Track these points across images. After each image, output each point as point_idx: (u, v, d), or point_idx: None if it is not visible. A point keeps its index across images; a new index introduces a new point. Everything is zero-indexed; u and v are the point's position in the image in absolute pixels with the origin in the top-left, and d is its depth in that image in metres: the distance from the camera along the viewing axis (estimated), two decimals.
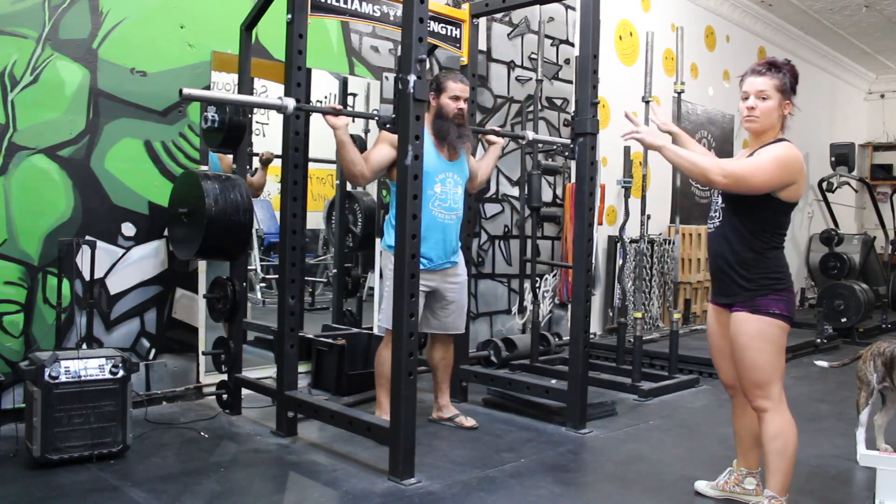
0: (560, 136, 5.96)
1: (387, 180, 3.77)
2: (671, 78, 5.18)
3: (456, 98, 3.47)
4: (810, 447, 3.46)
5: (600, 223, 5.88)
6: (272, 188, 4.68)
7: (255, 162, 4.35)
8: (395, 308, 2.82)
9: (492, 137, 3.83)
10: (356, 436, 3.14)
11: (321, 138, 4.64)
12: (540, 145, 4.16)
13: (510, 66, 5.62)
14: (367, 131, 4.80)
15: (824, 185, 9.59)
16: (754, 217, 2.44)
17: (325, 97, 4.73)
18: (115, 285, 3.69)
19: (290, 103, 3.10)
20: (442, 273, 3.52)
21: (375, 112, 4.76)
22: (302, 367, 4.15)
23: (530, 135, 4.08)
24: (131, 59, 3.70)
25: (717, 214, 2.57)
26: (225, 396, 3.68)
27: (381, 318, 3.56)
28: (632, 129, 2.56)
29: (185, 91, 2.85)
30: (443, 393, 3.72)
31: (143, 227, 3.76)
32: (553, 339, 5.23)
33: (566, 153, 3.77)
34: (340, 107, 3.31)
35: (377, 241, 4.70)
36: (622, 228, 4.96)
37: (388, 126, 3.02)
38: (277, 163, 3.43)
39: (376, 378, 3.50)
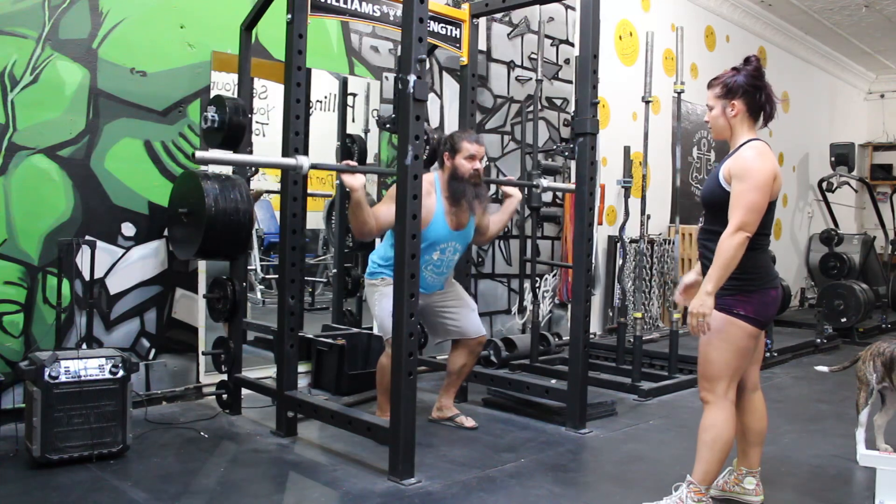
0: (560, 136, 5.97)
1: None
2: (671, 78, 5.18)
3: (471, 158, 3.42)
4: (810, 447, 3.47)
5: (600, 223, 5.88)
6: (272, 188, 4.67)
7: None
8: (396, 308, 2.82)
9: (509, 190, 3.79)
10: (356, 436, 3.14)
11: (321, 137, 4.66)
12: (546, 183, 4.17)
13: (510, 66, 5.62)
14: (366, 131, 4.81)
15: (824, 185, 9.60)
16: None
17: (325, 97, 4.73)
18: (115, 285, 3.69)
19: (305, 163, 3.06)
20: (428, 295, 3.54)
21: (376, 111, 4.76)
22: (302, 367, 4.15)
23: (544, 182, 4.09)
24: (131, 59, 3.70)
25: (702, 215, 2.60)
26: (225, 396, 3.68)
27: (378, 328, 3.52)
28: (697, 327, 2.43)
29: (199, 155, 2.84)
30: (448, 395, 3.71)
31: (143, 227, 3.76)
32: (553, 339, 5.23)
33: (566, 153, 3.76)
34: (354, 163, 3.30)
35: (377, 240, 4.69)
36: (622, 228, 4.96)
37: (388, 126, 3.02)
38: None
39: (378, 386, 3.50)
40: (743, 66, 2.53)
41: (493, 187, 5.17)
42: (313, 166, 3.12)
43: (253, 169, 3.79)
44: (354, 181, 3.09)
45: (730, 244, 2.36)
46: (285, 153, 3.36)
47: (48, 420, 2.83)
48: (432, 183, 3.45)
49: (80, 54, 3.54)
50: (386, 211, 3.22)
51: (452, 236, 3.48)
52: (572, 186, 3.71)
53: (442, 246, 3.46)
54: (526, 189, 4.97)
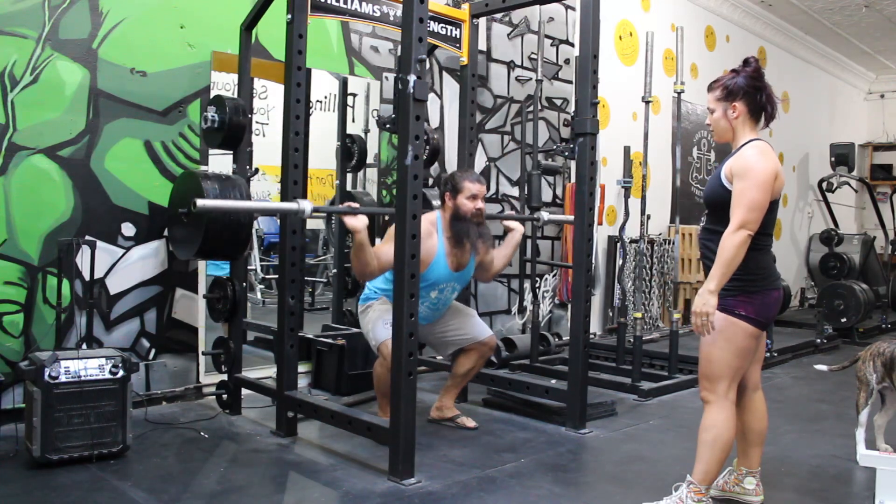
0: (560, 136, 5.97)
1: None
2: (671, 78, 5.18)
3: (473, 197, 3.41)
4: (810, 447, 3.47)
5: (600, 223, 5.88)
6: (272, 188, 4.68)
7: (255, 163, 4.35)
8: (396, 307, 2.82)
9: (511, 224, 3.77)
10: (356, 436, 3.14)
11: (321, 137, 4.66)
12: (546, 216, 4.13)
13: (510, 66, 5.62)
14: (366, 131, 4.81)
15: (824, 185, 9.60)
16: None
17: (325, 97, 4.73)
18: (115, 285, 3.68)
19: (307, 207, 3.01)
20: (424, 326, 3.53)
21: (376, 111, 4.76)
22: (302, 367, 4.15)
23: (545, 216, 4.07)
24: (131, 59, 3.70)
25: (704, 214, 2.61)
26: (225, 396, 3.68)
27: (371, 337, 3.46)
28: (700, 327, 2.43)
29: (200, 203, 2.78)
30: (450, 395, 3.70)
31: (143, 227, 3.76)
32: (553, 339, 5.23)
33: (566, 153, 3.77)
34: (356, 205, 3.27)
35: (377, 240, 4.70)
36: (622, 228, 4.97)
37: (388, 126, 3.01)
38: (277, 162, 3.44)
39: (376, 390, 3.50)
40: (742, 67, 2.54)
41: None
42: (315, 210, 3.06)
43: (253, 169, 3.79)
44: (357, 223, 3.03)
45: (731, 242, 2.36)
46: (285, 153, 3.36)
47: (48, 420, 2.83)
48: (434, 223, 3.44)
49: (80, 54, 3.54)
50: (387, 250, 3.15)
51: (452, 277, 3.48)
52: (571, 218, 3.69)
53: (441, 286, 3.47)
54: (526, 189, 4.98)
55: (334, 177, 4.94)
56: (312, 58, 3.54)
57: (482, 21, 4.89)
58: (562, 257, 5.81)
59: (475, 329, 3.63)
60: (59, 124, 3.49)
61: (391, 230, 3.16)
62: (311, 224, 4.95)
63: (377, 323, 3.38)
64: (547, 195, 5.81)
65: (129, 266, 3.73)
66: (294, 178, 3.35)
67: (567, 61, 6.06)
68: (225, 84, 4.04)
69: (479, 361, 3.66)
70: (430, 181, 4.85)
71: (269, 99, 4.42)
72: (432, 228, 3.41)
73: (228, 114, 3.51)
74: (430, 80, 5.03)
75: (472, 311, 3.73)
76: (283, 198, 3.40)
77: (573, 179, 4.49)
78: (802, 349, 6.10)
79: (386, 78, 4.76)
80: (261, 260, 5.08)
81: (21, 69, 3.37)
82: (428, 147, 4.24)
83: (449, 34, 4.09)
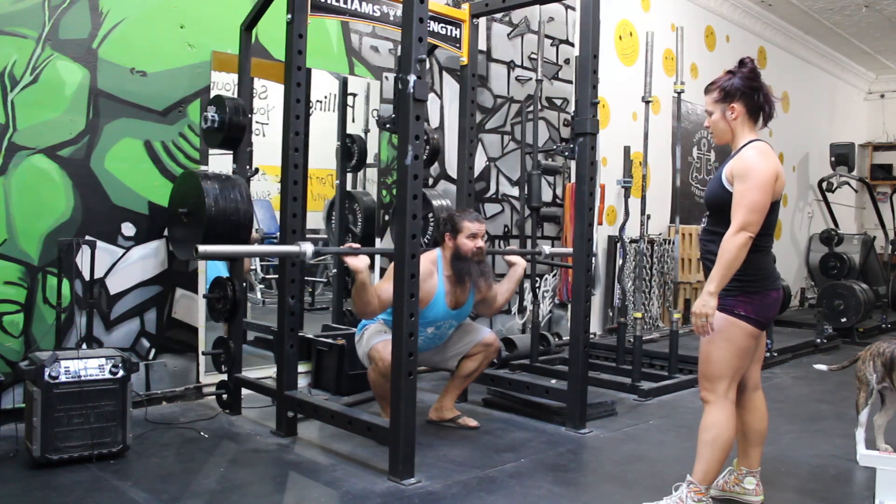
0: (560, 136, 5.97)
1: None
2: (671, 78, 5.18)
3: (473, 237, 3.43)
4: (810, 447, 3.47)
5: (600, 223, 5.88)
6: (272, 188, 4.68)
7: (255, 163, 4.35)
8: (395, 307, 2.82)
9: (513, 258, 3.75)
10: (356, 436, 3.14)
11: (321, 137, 4.66)
12: (548, 249, 4.15)
13: (510, 66, 5.62)
14: (366, 131, 4.81)
15: (824, 185, 9.60)
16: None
17: (325, 97, 4.73)
18: (115, 285, 3.68)
19: (308, 249, 2.98)
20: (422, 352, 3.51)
21: (376, 111, 4.76)
22: (302, 367, 4.15)
23: (546, 249, 4.07)
24: (131, 59, 3.70)
25: (705, 216, 2.61)
26: (225, 396, 3.68)
27: (364, 346, 3.44)
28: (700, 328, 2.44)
29: (202, 249, 2.76)
30: (450, 396, 3.69)
31: (143, 227, 3.76)
32: (553, 339, 5.23)
33: (566, 153, 3.77)
34: (357, 245, 3.26)
35: (377, 240, 4.70)
36: (622, 228, 4.97)
37: (388, 126, 3.00)
38: (277, 162, 3.44)
39: (374, 395, 3.51)
40: (738, 68, 2.53)
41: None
42: (317, 252, 3.04)
43: (253, 169, 3.79)
44: (359, 263, 3.02)
45: (732, 244, 2.36)
46: (285, 153, 3.37)
47: (48, 420, 2.83)
48: (434, 262, 3.44)
49: (80, 54, 3.54)
50: (388, 288, 3.10)
51: (450, 315, 3.50)
52: (571, 251, 3.69)
53: (439, 323, 3.48)
54: (526, 189, 4.98)
55: (334, 177, 4.94)
56: (312, 58, 3.53)
57: (482, 21, 4.90)
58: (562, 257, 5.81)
59: (474, 333, 3.63)
60: (59, 124, 3.49)
61: (390, 269, 3.12)
62: (311, 224, 4.95)
63: (372, 336, 3.39)
64: (547, 195, 5.81)
65: (129, 266, 3.73)
66: (294, 178, 3.34)
67: (567, 61, 6.06)
68: (225, 84, 4.04)
69: (483, 363, 3.65)
70: (430, 181, 4.86)
71: (269, 99, 4.42)
72: (433, 268, 3.42)
73: (228, 114, 3.51)
74: (430, 80, 5.03)
75: (466, 319, 3.72)
76: (283, 196, 3.40)
77: (573, 179, 4.50)
78: (802, 349, 6.10)
79: (386, 78, 4.76)
80: (261, 260, 5.08)
81: (21, 69, 3.37)
82: (428, 147, 4.24)
83: (449, 34, 4.09)
